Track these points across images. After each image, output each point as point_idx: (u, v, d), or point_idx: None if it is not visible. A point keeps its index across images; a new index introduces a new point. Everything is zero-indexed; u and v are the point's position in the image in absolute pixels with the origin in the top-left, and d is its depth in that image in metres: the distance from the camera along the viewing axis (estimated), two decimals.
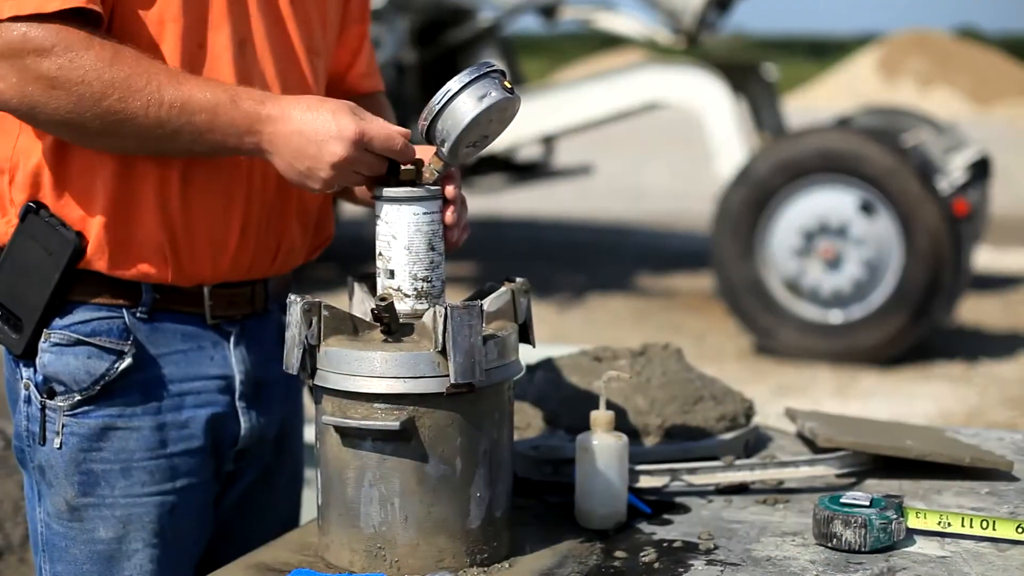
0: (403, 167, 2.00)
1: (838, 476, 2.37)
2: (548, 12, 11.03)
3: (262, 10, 2.19)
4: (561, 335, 8.71)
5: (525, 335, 2.09)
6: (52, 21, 1.96)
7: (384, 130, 1.99)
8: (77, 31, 1.97)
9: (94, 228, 2.11)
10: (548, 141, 11.21)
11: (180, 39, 2.10)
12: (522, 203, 15.63)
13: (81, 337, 2.14)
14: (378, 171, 1.99)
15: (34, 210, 2.11)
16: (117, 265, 2.13)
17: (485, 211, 14.31)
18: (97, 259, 2.12)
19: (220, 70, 2.12)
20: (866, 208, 8.10)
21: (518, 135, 9.82)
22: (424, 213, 1.98)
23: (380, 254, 2.00)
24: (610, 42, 34.04)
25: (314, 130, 1.98)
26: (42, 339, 2.15)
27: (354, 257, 9.23)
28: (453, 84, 1.93)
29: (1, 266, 2.15)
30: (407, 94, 9.93)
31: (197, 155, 2.10)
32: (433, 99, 1.96)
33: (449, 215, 2.03)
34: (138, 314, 2.17)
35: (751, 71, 10.40)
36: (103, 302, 2.16)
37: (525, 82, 12.10)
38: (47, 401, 2.16)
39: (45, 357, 2.15)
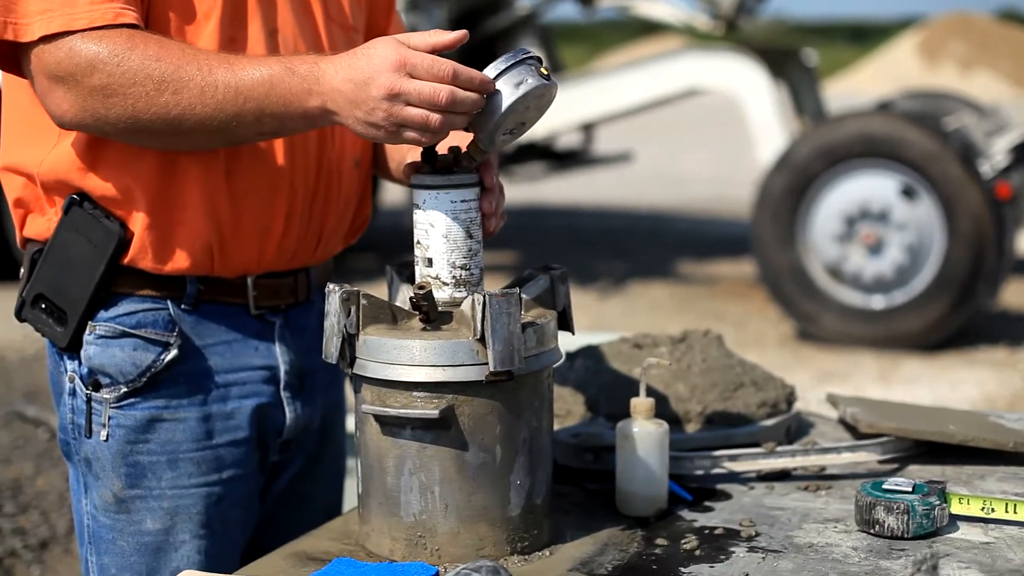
0: (440, 155, 2.00)
1: (880, 462, 2.36)
2: None
3: None
4: (601, 322, 8.71)
5: (564, 322, 2.09)
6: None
7: (428, 56, 1.89)
8: (119, 32, 1.97)
9: (138, 230, 2.12)
10: (587, 128, 11.20)
11: (213, 35, 2.10)
12: (562, 191, 15.63)
13: (126, 329, 2.15)
14: (434, 102, 1.87)
15: (78, 202, 2.12)
16: (162, 262, 2.14)
17: (525, 199, 14.31)
18: (141, 259, 2.13)
19: None
20: (908, 192, 8.06)
21: (557, 123, 9.82)
22: (462, 201, 1.98)
23: (418, 242, 2.00)
24: (649, 29, 34.03)
25: (359, 71, 1.91)
26: (87, 332, 2.16)
27: (393, 246, 9.25)
28: (489, 71, 1.92)
29: (45, 259, 2.16)
30: None
31: (267, 136, 2.08)
32: None
33: (486, 203, 2.02)
34: (183, 305, 2.18)
35: (791, 56, 10.35)
36: (148, 294, 2.16)
37: (564, 69, 12.08)
38: (93, 393, 2.17)
39: (90, 350, 2.16)
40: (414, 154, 2.11)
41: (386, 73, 1.88)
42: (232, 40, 2.12)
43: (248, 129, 2.01)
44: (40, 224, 2.17)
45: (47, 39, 1.97)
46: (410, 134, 1.91)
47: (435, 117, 1.88)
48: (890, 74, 33.59)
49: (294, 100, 1.96)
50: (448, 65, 1.89)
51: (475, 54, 10.31)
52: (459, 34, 1.93)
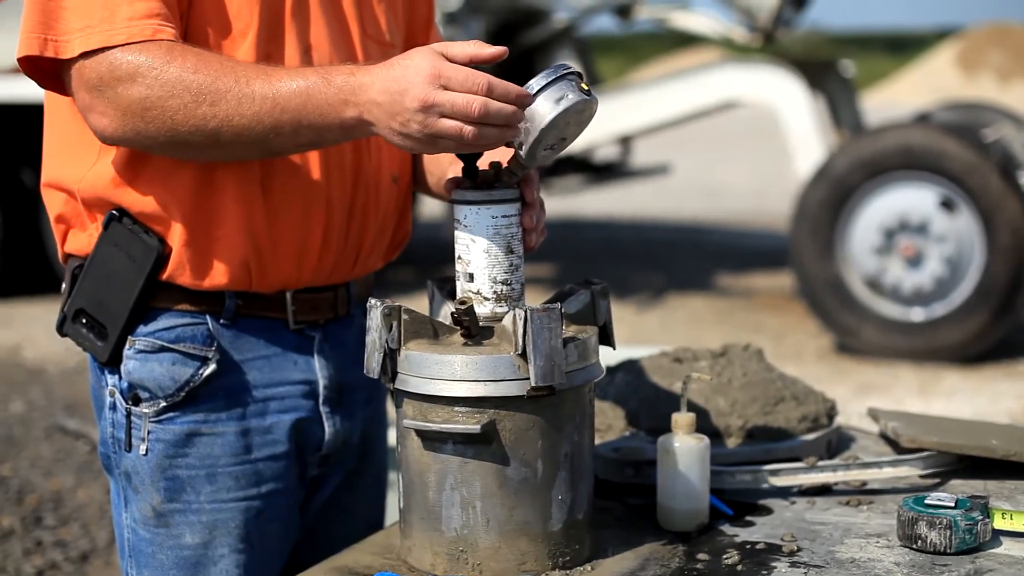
0: (481, 170, 2.00)
1: (922, 477, 2.35)
2: (623, 12, 11.01)
3: (325, 16, 2.20)
4: (640, 335, 8.69)
5: (605, 337, 2.09)
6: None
7: (463, 69, 1.89)
8: (158, 45, 1.98)
9: (176, 245, 2.13)
10: (625, 141, 11.18)
11: (250, 51, 2.10)
12: (600, 203, 15.62)
13: (165, 344, 2.16)
14: (467, 114, 1.87)
15: (117, 218, 2.13)
16: (200, 279, 2.15)
17: (563, 212, 14.31)
18: (179, 275, 2.14)
19: None
20: (947, 205, 8.02)
21: (595, 135, 9.80)
22: (503, 216, 1.98)
23: (459, 257, 2.00)
24: (686, 41, 34.00)
25: (395, 82, 1.91)
26: (127, 346, 2.17)
27: (431, 259, 9.26)
28: (530, 86, 1.92)
29: (85, 274, 2.17)
30: None
31: (305, 148, 2.09)
32: None
33: (527, 218, 2.02)
34: (221, 320, 2.18)
35: (828, 68, 10.32)
36: (186, 309, 2.17)
37: (601, 82, 12.08)
38: (132, 408, 2.18)
39: (130, 364, 2.17)
40: (455, 169, 2.11)
41: (420, 84, 1.89)
42: (268, 57, 2.12)
43: (286, 140, 2.01)
44: (81, 240, 2.18)
45: (87, 55, 1.99)
46: (445, 144, 1.92)
47: (469, 129, 1.88)
48: (928, 85, 33.46)
49: (330, 111, 1.97)
50: (483, 78, 1.89)
51: (513, 66, 10.29)
52: (499, 50, 1.93)
